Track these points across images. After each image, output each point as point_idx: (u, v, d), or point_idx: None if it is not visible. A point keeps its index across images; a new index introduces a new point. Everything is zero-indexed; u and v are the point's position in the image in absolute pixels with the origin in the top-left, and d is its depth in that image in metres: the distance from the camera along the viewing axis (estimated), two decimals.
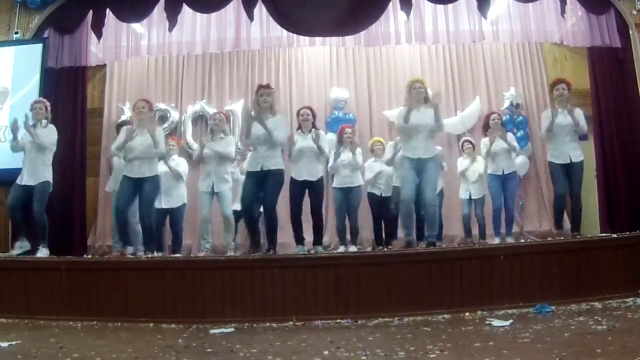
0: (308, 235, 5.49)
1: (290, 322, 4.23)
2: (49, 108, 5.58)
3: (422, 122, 4.94)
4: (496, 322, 3.77)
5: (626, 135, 6.47)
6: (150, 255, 5.12)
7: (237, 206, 5.89)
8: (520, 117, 7.64)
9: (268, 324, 4.23)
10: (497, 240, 6.09)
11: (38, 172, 5.36)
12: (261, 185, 5.05)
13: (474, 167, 6.57)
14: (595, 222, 6.57)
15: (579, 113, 5.36)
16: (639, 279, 4.43)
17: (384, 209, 6.33)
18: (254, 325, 4.20)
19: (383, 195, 6.32)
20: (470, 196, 6.58)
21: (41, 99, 5.73)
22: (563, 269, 4.45)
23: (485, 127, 6.21)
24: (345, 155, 6.00)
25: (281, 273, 4.48)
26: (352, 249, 5.82)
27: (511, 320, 3.81)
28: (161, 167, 6.13)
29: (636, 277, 4.44)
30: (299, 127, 5.59)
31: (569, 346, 2.89)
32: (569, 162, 5.30)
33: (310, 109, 5.69)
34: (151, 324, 4.32)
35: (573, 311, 4.07)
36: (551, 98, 5.91)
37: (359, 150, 6.11)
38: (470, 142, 6.80)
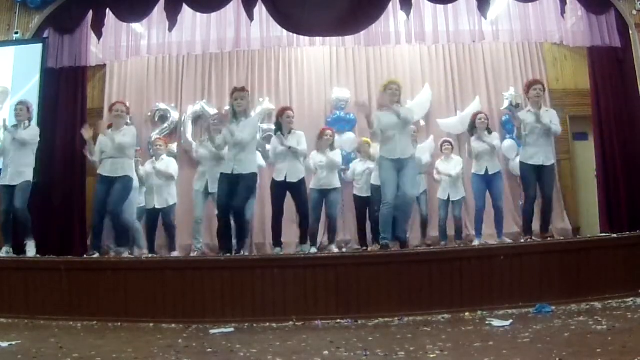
0: (290, 237, 5.50)
1: (290, 322, 4.23)
2: (31, 109, 5.61)
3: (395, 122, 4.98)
4: (496, 322, 3.78)
5: (626, 135, 6.47)
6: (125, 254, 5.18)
7: None
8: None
9: (268, 324, 4.23)
10: (476, 242, 6.02)
11: (20, 172, 5.38)
12: (234, 188, 5.05)
13: (449, 168, 6.59)
14: (595, 222, 6.57)
15: (552, 114, 5.33)
16: (639, 279, 4.44)
17: (369, 210, 6.31)
18: (254, 325, 4.21)
19: (364, 196, 6.31)
20: (448, 197, 6.58)
21: (24, 99, 5.73)
22: (563, 269, 4.45)
23: (472, 127, 6.17)
24: (322, 157, 5.99)
25: (281, 273, 4.48)
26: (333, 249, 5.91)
27: (511, 320, 3.81)
28: (148, 167, 6.19)
29: (636, 277, 4.44)
30: (279, 129, 5.59)
31: (569, 346, 2.89)
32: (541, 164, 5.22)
33: (292, 110, 5.74)
34: (151, 324, 4.33)
35: (573, 311, 4.08)
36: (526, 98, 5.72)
37: (337, 151, 6.15)
38: (450, 143, 6.80)
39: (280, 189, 5.39)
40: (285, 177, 5.36)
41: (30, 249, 5.40)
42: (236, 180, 4.98)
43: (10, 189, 5.35)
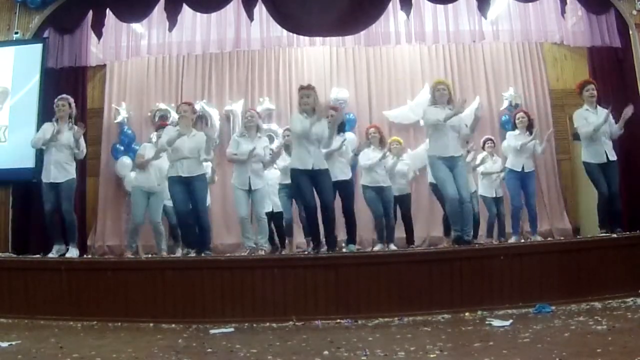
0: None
1: (290, 322, 4.23)
2: (72, 104, 5.48)
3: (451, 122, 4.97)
4: (496, 322, 3.78)
5: (626, 135, 6.46)
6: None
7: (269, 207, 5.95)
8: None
9: (268, 324, 4.23)
10: (514, 239, 6.05)
11: (64, 168, 5.30)
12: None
13: (494, 167, 6.60)
14: (595, 222, 6.56)
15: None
16: (639, 279, 4.43)
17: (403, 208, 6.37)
18: (254, 325, 4.21)
19: (398, 194, 6.32)
20: (495, 195, 6.58)
21: (64, 95, 5.56)
22: (563, 269, 4.45)
23: (513, 126, 6.18)
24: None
25: (281, 273, 4.48)
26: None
27: (511, 320, 3.81)
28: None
29: (636, 277, 4.44)
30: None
31: (569, 346, 2.90)
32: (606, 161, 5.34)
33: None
34: (151, 324, 4.33)
35: (573, 311, 4.08)
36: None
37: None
38: (492, 141, 6.79)
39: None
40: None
41: (71, 255, 5.28)
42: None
43: (55, 186, 5.27)
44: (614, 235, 5.07)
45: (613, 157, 5.41)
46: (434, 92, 5.15)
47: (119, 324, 4.36)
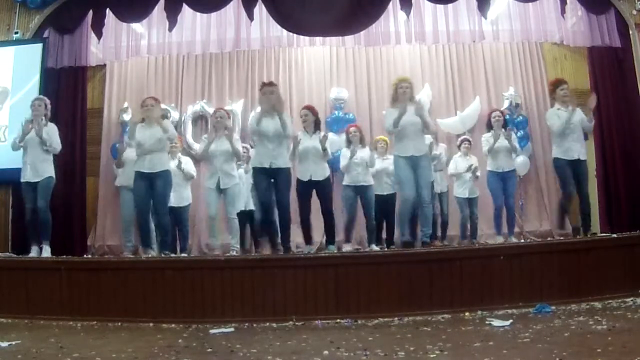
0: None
1: (290, 322, 4.23)
2: (48, 106, 5.54)
3: (411, 121, 4.98)
4: (496, 322, 3.77)
5: (626, 135, 6.47)
6: (150, 255, 5.12)
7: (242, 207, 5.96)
8: (520, 117, 7.63)
9: (268, 324, 4.23)
10: (500, 239, 6.08)
11: (41, 167, 5.35)
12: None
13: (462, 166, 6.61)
14: (595, 222, 6.57)
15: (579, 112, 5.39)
16: (639, 279, 4.43)
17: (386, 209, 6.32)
18: (254, 325, 4.20)
19: (386, 194, 6.30)
20: (467, 195, 6.60)
21: (40, 96, 5.68)
22: (563, 269, 4.45)
23: (488, 125, 6.19)
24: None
25: (281, 273, 4.47)
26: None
27: (511, 320, 3.80)
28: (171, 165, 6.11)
29: (636, 277, 4.44)
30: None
31: (569, 346, 2.89)
32: (576, 158, 5.32)
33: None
34: (151, 324, 4.32)
35: (573, 311, 4.07)
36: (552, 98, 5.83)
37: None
38: (469, 141, 6.80)
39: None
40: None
41: (45, 254, 5.31)
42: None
43: (33, 185, 5.33)
44: (614, 235, 5.07)
45: (584, 156, 5.38)
46: (396, 90, 5.13)
47: (119, 324, 4.35)
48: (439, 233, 6.49)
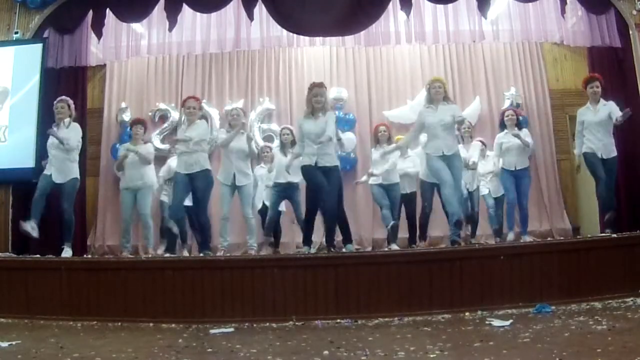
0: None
1: (290, 322, 4.23)
2: (72, 106, 5.57)
3: (441, 119, 5.01)
4: (496, 322, 3.78)
5: (626, 135, 6.46)
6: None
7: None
8: (521, 117, 7.62)
9: (268, 324, 4.23)
10: (511, 236, 6.08)
11: (66, 169, 5.40)
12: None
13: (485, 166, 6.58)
14: (595, 222, 6.57)
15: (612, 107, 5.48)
16: (639, 279, 4.43)
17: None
18: (254, 325, 4.21)
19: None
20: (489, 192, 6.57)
21: (63, 97, 5.66)
22: (563, 269, 4.45)
23: (501, 125, 6.21)
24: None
25: (281, 273, 4.48)
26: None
27: (511, 320, 3.80)
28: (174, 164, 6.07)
29: (636, 277, 4.44)
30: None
31: (569, 346, 2.89)
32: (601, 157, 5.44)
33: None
34: (151, 324, 4.32)
35: (573, 311, 4.07)
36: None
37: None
38: (483, 143, 6.78)
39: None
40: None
41: (66, 255, 5.32)
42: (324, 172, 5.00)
43: (54, 185, 5.38)
44: (614, 235, 5.07)
45: (607, 155, 5.48)
46: (430, 90, 5.19)
47: (119, 324, 4.36)
48: (469, 232, 6.45)
